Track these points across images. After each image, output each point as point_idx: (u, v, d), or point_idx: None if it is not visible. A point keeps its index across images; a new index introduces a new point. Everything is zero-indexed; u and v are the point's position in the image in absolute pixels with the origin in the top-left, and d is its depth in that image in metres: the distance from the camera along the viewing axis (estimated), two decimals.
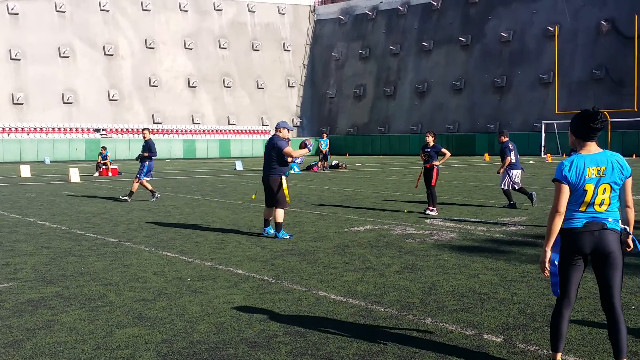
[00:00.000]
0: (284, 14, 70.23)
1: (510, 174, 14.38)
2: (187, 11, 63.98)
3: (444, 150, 13.61)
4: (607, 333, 4.33)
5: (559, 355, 4.37)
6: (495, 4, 58.51)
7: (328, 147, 32.68)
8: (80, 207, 15.37)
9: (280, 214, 10.32)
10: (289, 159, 10.48)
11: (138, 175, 16.56)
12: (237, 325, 5.56)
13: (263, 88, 67.53)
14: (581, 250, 4.25)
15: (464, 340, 5.12)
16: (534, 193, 14.35)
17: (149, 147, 16.51)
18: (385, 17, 66.64)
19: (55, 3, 57.22)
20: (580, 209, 4.26)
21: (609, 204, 4.25)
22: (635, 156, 44.92)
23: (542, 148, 50.41)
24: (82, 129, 54.87)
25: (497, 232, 10.78)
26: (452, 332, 5.31)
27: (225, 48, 65.81)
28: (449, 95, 60.37)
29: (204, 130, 60.26)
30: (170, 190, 19.90)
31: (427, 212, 13.21)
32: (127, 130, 56.84)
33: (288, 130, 10.68)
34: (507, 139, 14.71)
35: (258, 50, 67.87)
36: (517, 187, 14.43)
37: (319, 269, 7.88)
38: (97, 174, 29.42)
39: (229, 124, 63.95)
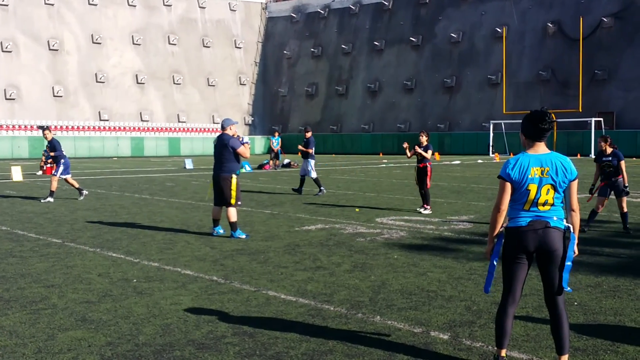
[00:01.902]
0: (235, 10, 69.71)
1: (312, 164, 17.46)
2: (135, 6, 62.80)
3: (430, 151, 13.68)
4: (550, 329, 4.40)
5: (503, 352, 4.43)
6: (445, 5, 59.41)
7: (280, 145, 32.60)
8: (23, 206, 14.91)
9: (232, 213, 10.20)
10: (242, 158, 10.37)
11: (54, 173, 16.29)
12: (184, 326, 5.48)
13: (214, 85, 66.89)
14: (526, 249, 4.30)
15: (412, 337, 5.16)
16: (323, 189, 17.44)
17: (53, 147, 16.33)
18: (337, 15, 66.88)
19: None
20: (524, 208, 4.31)
21: (552, 204, 4.30)
22: (580, 155, 46.32)
23: (490, 147, 51.47)
24: (25, 126, 53.26)
25: (445, 230, 10.94)
26: (401, 329, 5.35)
27: (175, 44, 64.90)
28: (400, 94, 61.02)
29: (152, 128, 59.28)
30: (117, 189, 19.51)
31: (422, 210, 13.34)
32: (72, 127, 55.46)
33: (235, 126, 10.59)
34: (310, 134, 17.94)
35: (209, 47, 67.17)
36: (313, 177, 17.40)
37: (269, 268, 7.84)
38: (40, 172, 28.61)
39: (179, 121, 63.10)
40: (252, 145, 63.12)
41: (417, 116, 59.52)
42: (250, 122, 69.35)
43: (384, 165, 34.58)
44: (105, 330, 5.37)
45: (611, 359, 4.67)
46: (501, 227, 4.45)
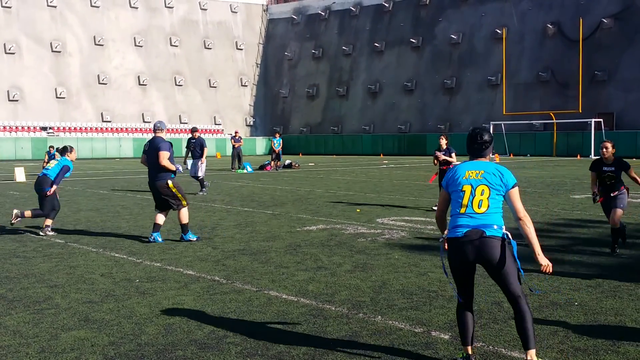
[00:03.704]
0: (236, 12, 69.76)
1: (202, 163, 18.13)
2: (137, 8, 62.89)
3: (453, 155, 13.94)
4: (515, 326, 4.43)
5: (469, 349, 4.51)
6: (445, 7, 59.44)
7: (281, 146, 32.63)
8: (26, 207, 14.94)
9: (183, 215, 9.78)
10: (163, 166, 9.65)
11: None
12: (186, 326, 5.51)
13: (215, 87, 66.94)
14: (465, 259, 4.35)
15: (413, 337, 5.19)
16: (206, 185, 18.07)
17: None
18: (337, 17, 66.92)
19: None
20: (460, 211, 4.38)
21: (488, 207, 4.32)
22: (580, 156, 46.31)
23: None
24: (28, 127, 53.34)
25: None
26: (402, 329, 5.38)
27: (177, 46, 64.97)
28: (400, 95, 61.03)
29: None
30: (120, 190, 19.55)
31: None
32: (75, 128, 55.55)
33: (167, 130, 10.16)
34: (198, 135, 18.53)
35: (210, 48, 67.24)
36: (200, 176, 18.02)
37: (271, 268, 7.87)
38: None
39: (181, 122, 63.16)
40: (253, 146, 63.20)
41: (418, 117, 59.54)
42: (251, 123, 69.40)
43: (385, 166, 34.61)
44: (108, 330, 5.41)
45: (612, 359, 4.70)
46: (442, 237, 4.54)
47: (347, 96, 64.72)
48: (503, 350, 4.89)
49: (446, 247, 4.48)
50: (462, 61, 57.46)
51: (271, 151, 34.01)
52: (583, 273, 7.48)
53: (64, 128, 55.07)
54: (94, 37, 59.95)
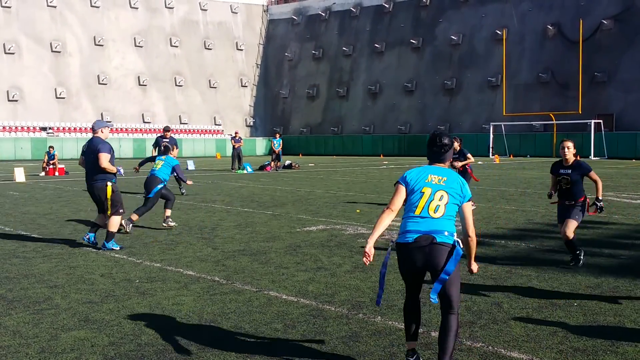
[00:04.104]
0: (236, 13, 69.79)
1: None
2: (137, 8, 62.91)
3: (469, 155, 14.28)
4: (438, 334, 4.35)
5: (414, 344, 4.54)
6: (446, 8, 59.47)
7: (281, 147, 32.64)
8: (26, 207, 14.96)
9: (113, 223, 9.29)
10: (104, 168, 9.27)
11: None
12: (186, 327, 5.52)
13: (215, 87, 66.96)
14: (413, 266, 4.30)
15: None
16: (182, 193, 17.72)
17: None
18: (338, 18, 66.95)
19: None
20: (415, 213, 4.32)
21: (444, 213, 4.28)
22: (580, 157, 46.28)
23: (490, 149, 51.49)
24: (28, 128, 53.36)
25: None
26: (401, 330, 5.38)
27: (177, 46, 65.00)
28: (400, 96, 61.06)
29: (154, 129, 59.33)
30: (120, 191, 19.53)
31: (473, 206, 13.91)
32: (74, 129, 55.56)
33: (109, 129, 9.68)
34: (169, 135, 18.27)
35: (210, 49, 67.27)
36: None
37: (271, 269, 7.88)
38: (43, 173, 28.68)
39: (181, 123, 63.18)
40: (253, 147, 63.18)
41: (418, 118, 59.57)
42: (251, 123, 69.41)
43: (385, 167, 34.62)
44: (108, 331, 5.41)
45: (611, 359, 4.71)
46: (392, 241, 4.48)
47: (347, 97, 64.74)
48: (502, 350, 4.89)
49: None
50: (462, 62, 57.48)
51: (271, 152, 34.02)
52: (582, 274, 7.49)
53: (63, 128, 55.08)
54: (94, 37, 59.97)
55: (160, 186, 11.22)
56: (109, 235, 9.27)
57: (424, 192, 4.33)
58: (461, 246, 4.28)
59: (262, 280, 7.26)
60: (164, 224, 11.31)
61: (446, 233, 4.25)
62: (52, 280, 7.30)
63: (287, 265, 8.11)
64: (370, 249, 4.36)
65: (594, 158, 45.60)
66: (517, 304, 6.19)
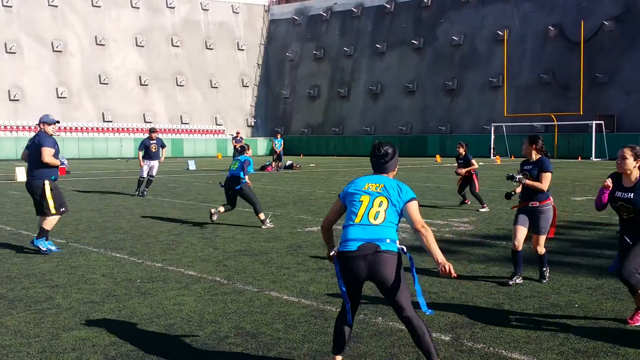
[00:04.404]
0: (237, 13, 69.79)
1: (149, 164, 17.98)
2: (138, 8, 62.92)
3: (473, 161, 14.71)
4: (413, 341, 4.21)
5: (338, 358, 4.37)
6: (447, 8, 59.45)
7: (282, 147, 32.64)
8: (27, 207, 14.96)
9: (48, 222, 8.98)
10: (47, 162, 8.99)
11: None
12: (187, 327, 5.52)
13: (217, 87, 66.97)
14: (357, 277, 4.14)
15: None
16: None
17: None
18: (339, 18, 66.94)
19: None
20: (355, 221, 4.21)
21: (384, 219, 4.17)
22: (581, 158, 46.31)
23: (492, 150, 51.48)
24: (29, 127, 53.38)
25: (447, 232, 10.97)
26: (402, 330, 5.38)
27: (178, 46, 65.01)
28: (401, 97, 61.04)
29: (156, 129, 59.31)
30: (121, 190, 19.57)
31: (480, 209, 14.14)
32: (75, 128, 55.59)
33: (55, 124, 9.36)
34: (156, 135, 18.18)
35: (212, 49, 67.28)
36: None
37: (272, 269, 7.88)
38: None
39: (182, 123, 63.20)
40: (254, 147, 63.21)
41: (419, 118, 59.56)
42: (252, 123, 69.41)
43: None
44: (109, 330, 5.41)
45: None
46: (333, 250, 4.27)
47: (349, 97, 64.74)
48: (504, 351, 4.89)
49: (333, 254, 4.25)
50: (463, 63, 57.47)
51: (272, 152, 34.02)
52: (583, 275, 7.49)
53: (65, 128, 55.09)
54: (95, 36, 60.00)
55: (240, 184, 11.74)
56: (43, 233, 8.92)
57: (362, 201, 4.24)
58: (405, 250, 4.19)
59: (263, 280, 7.26)
60: (212, 210, 11.72)
61: (388, 240, 4.12)
62: (53, 280, 7.31)
63: (288, 265, 8.11)
64: (329, 254, 4.39)
65: (595, 159, 45.58)
66: (518, 305, 6.20)
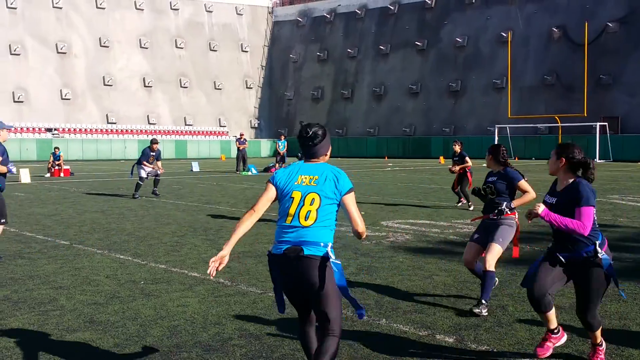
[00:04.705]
0: (241, 14, 69.89)
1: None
2: (142, 10, 63.08)
3: (467, 159, 15.00)
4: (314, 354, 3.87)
5: None
6: (451, 10, 59.43)
7: (286, 148, 32.64)
8: (31, 208, 15.00)
9: None
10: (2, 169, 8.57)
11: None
12: (191, 328, 5.52)
13: (220, 89, 67.06)
14: (288, 282, 3.82)
15: (418, 340, 5.19)
16: None
17: None
18: (343, 20, 66.98)
19: None
20: (286, 221, 3.85)
21: (316, 219, 3.78)
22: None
23: None
24: (33, 129, 53.54)
25: (450, 233, 10.96)
26: (406, 332, 5.38)
27: (182, 48, 65.13)
28: (405, 98, 61.03)
29: (159, 131, 59.45)
30: (125, 192, 19.60)
31: (468, 207, 14.58)
32: (80, 130, 55.73)
33: (7, 130, 8.96)
34: (157, 147, 18.03)
35: (215, 50, 67.38)
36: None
37: None
38: (48, 174, 28.77)
39: (186, 124, 63.29)
40: (258, 148, 63.22)
41: (422, 120, 59.53)
42: (256, 125, 69.47)
43: (390, 169, 34.59)
44: (113, 332, 5.42)
45: None
46: (269, 251, 3.95)
47: (352, 99, 64.75)
48: (508, 353, 4.88)
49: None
50: (467, 64, 57.43)
51: (276, 153, 34.03)
52: None
53: (69, 129, 55.26)
54: (100, 38, 60.15)
55: None
56: None
57: (293, 197, 3.83)
58: (333, 257, 3.77)
59: (267, 281, 7.26)
60: None
61: (322, 244, 3.76)
62: (57, 281, 7.32)
63: None
64: (222, 256, 3.85)
65: (600, 161, 45.48)
66: (522, 307, 6.18)
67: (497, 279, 6.04)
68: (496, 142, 51.23)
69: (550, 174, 4.78)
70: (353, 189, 3.90)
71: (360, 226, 3.82)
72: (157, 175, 18.11)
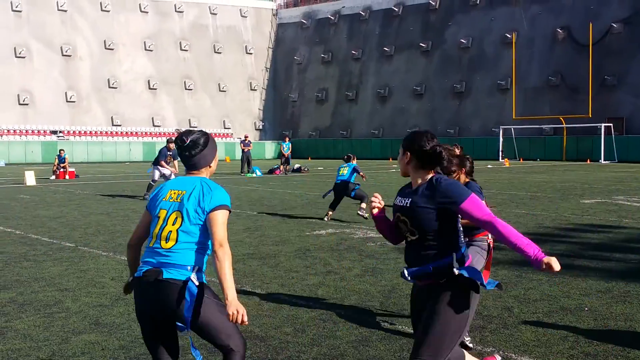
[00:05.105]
0: (246, 16, 69.98)
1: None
2: (147, 12, 63.21)
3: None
4: None
5: None
6: (455, 11, 59.37)
7: (290, 150, 32.66)
8: (36, 210, 15.04)
9: None
10: None
11: None
12: None
13: (225, 91, 67.14)
14: (144, 311, 3.35)
15: None
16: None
17: None
18: (347, 21, 66.99)
19: (11, 2, 55.88)
20: (150, 244, 3.45)
21: (176, 241, 3.34)
22: (590, 161, 46.09)
23: (500, 153, 51.32)
24: (38, 131, 53.70)
25: None
26: (411, 334, 5.37)
27: (187, 50, 65.25)
28: (409, 100, 60.99)
29: (164, 133, 59.58)
30: (130, 194, 19.64)
31: None
32: (85, 132, 55.88)
33: None
34: (173, 147, 18.03)
35: (220, 52, 67.47)
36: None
37: (280, 272, 7.88)
38: (53, 177, 28.85)
39: (190, 126, 63.36)
40: (262, 150, 63.28)
41: (427, 121, 59.46)
42: (260, 127, 69.53)
43: (394, 170, 34.57)
44: (118, 334, 5.43)
45: None
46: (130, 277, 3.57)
47: (357, 100, 64.75)
48: (513, 355, 4.88)
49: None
50: (471, 65, 57.37)
51: (280, 155, 34.05)
52: (593, 278, 7.44)
53: (74, 132, 55.40)
54: (104, 41, 60.30)
55: (356, 188, 13.18)
56: None
57: (159, 216, 3.43)
58: (196, 283, 3.32)
59: (272, 284, 7.26)
60: (359, 212, 12.83)
61: (188, 268, 3.32)
62: (62, 283, 7.34)
63: (297, 269, 8.11)
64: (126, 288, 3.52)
65: (604, 162, 45.35)
66: (528, 308, 6.17)
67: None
68: (501, 144, 51.22)
69: (402, 175, 3.61)
70: (225, 206, 3.36)
71: (218, 242, 3.29)
72: (170, 178, 18.20)
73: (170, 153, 18.38)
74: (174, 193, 3.45)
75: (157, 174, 18.20)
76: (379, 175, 29.94)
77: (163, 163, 18.18)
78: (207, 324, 3.32)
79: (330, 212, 13.19)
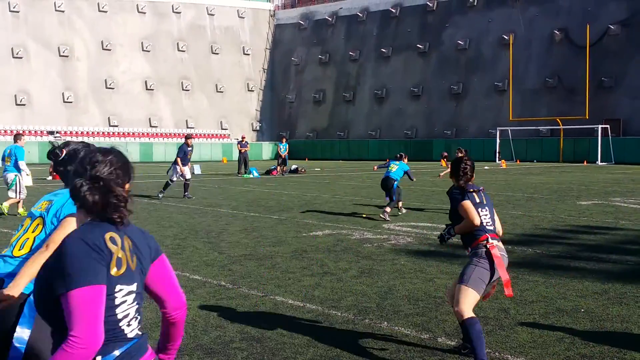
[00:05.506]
0: (243, 17, 69.99)
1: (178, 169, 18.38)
2: (144, 13, 63.18)
3: None
4: None
5: None
6: (452, 13, 59.45)
7: (287, 151, 32.66)
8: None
9: None
10: None
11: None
12: (192, 331, 5.53)
13: (222, 92, 67.12)
14: None
15: (419, 343, 5.19)
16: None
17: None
18: (344, 23, 67.03)
19: (8, 3, 55.80)
20: (4, 251, 3.37)
21: (30, 249, 3.22)
22: (587, 162, 46.16)
23: (497, 154, 51.39)
24: (35, 132, 53.65)
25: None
26: (408, 335, 5.38)
27: (184, 51, 65.23)
28: (407, 101, 61.03)
29: (161, 134, 59.54)
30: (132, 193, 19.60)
31: None
32: (82, 133, 55.82)
33: None
34: (191, 142, 18.91)
35: (217, 53, 67.46)
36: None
37: (277, 273, 7.88)
38: (50, 177, 28.80)
39: (188, 127, 63.33)
40: (259, 151, 63.28)
41: (424, 123, 59.52)
42: (258, 128, 69.51)
43: None
44: None
45: None
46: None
47: (354, 101, 64.78)
48: (509, 356, 4.88)
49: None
50: (469, 67, 57.44)
51: (277, 156, 34.04)
52: (589, 280, 7.46)
53: (71, 132, 55.33)
54: (102, 41, 60.25)
55: (396, 184, 13.56)
56: None
57: (24, 224, 3.35)
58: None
59: (268, 285, 7.26)
60: (381, 215, 13.06)
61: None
62: None
63: (293, 270, 8.11)
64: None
65: (601, 163, 45.44)
66: (524, 310, 6.18)
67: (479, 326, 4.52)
68: (498, 145, 51.29)
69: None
70: (73, 215, 2.87)
71: (45, 242, 3.14)
72: (186, 178, 18.50)
73: (190, 149, 18.64)
74: (44, 203, 3.43)
75: (175, 175, 18.51)
76: (377, 177, 29.93)
77: (179, 160, 18.37)
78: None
79: (389, 209, 13.30)
